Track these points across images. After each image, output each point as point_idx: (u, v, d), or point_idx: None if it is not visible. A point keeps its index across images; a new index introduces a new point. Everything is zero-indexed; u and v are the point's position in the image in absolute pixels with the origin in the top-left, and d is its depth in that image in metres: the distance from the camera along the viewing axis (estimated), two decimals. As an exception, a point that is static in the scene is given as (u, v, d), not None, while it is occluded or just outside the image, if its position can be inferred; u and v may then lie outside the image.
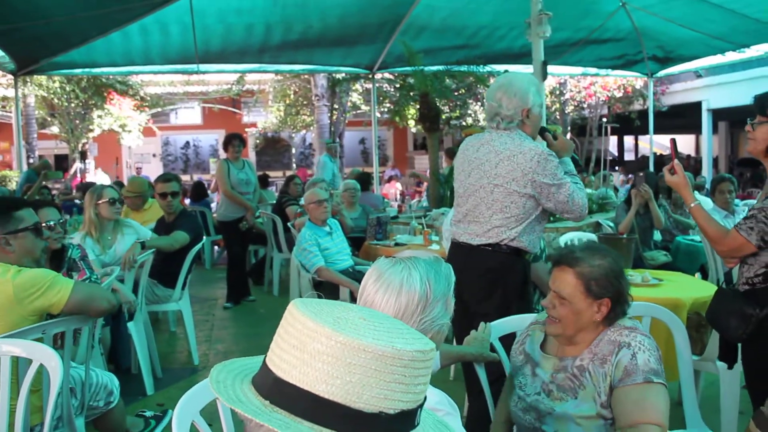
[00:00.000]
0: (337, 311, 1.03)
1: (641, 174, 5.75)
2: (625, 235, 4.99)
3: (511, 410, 2.37)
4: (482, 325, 2.60)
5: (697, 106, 18.21)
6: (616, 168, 22.17)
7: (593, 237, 5.00)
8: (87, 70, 10.10)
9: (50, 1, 6.62)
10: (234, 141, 7.13)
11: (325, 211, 5.29)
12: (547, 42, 9.64)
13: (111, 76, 16.60)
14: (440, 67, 9.53)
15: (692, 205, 2.79)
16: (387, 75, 11.47)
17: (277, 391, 0.99)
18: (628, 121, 19.05)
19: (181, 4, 7.52)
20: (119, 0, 7.18)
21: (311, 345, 0.97)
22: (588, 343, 2.22)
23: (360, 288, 1.75)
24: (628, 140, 26.58)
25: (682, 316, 3.40)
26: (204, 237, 5.41)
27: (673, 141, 2.95)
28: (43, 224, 3.36)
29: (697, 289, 3.83)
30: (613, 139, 27.76)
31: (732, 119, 21.04)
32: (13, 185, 12.74)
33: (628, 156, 26.19)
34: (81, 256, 3.45)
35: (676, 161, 2.85)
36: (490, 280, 3.12)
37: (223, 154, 7.37)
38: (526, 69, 10.37)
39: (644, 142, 24.26)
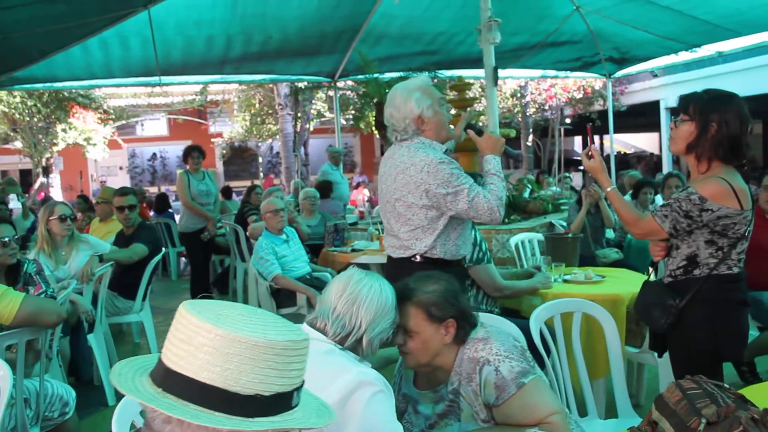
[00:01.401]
0: (220, 309, 1.17)
1: (590, 174, 5.91)
2: (570, 235, 5.15)
3: None
4: None
5: (656, 105, 18.58)
6: (580, 168, 22.47)
7: (541, 237, 5.15)
8: (48, 84, 10.03)
9: (7, 17, 6.61)
10: (193, 153, 7.19)
11: (281, 220, 5.38)
12: (505, 46, 9.89)
13: (73, 90, 16.51)
14: (399, 74, 9.63)
15: (608, 189, 2.92)
16: (350, 82, 11.58)
17: (168, 380, 1.12)
18: (588, 122, 19.37)
19: (139, 18, 7.55)
20: (77, 15, 7.18)
21: (195, 338, 1.11)
22: (451, 366, 2.28)
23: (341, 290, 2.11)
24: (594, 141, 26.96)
25: (620, 311, 3.54)
26: (163, 249, 5.45)
27: (590, 127, 3.09)
28: None
29: (638, 285, 3.95)
30: (578, 140, 28.17)
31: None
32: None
33: (594, 156, 26.48)
34: (37, 270, 3.51)
35: (593, 146, 3.01)
36: None
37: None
38: (481, 73, 10.59)
39: (610, 141, 24.65)
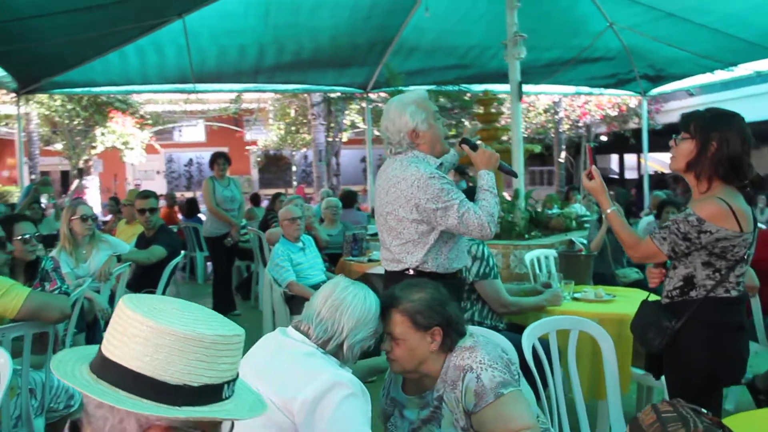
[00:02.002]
0: (155, 303, 1.23)
1: (612, 192, 5.86)
2: (583, 253, 5.11)
3: None
4: None
5: (692, 125, 18.19)
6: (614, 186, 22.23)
7: (554, 254, 5.11)
8: (87, 89, 10.32)
9: (48, 23, 6.82)
10: (219, 159, 7.32)
11: (297, 228, 5.43)
12: (538, 61, 9.92)
13: (111, 95, 16.92)
14: (429, 87, 9.67)
15: (608, 211, 2.89)
16: (383, 94, 11.65)
17: (103, 368, 1.18)
18: (623, 140, 19.16)
19: (174, 26, 7.74)
20: (113, 23, 7.38)
21: (129, 330, 1.17)
22: (438, 373, 2.29)
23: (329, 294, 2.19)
24: (630, 158, 26.63)
25: (627, 332, 3.46)
26: (182, 252, 5.55)
27: (590, 148, 3.08)
28: (19, 237, 3.56)
29: (647, 305, 3.93)
30: (614, 157, 27.85)
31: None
32: (14, 200, 13.06)
33: (630, 174, 26.22)
34: (53, 267, 3.61)
35: (593, 167, 2.98)
36: None
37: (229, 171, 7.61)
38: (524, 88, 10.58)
39: (649, 160, 24.37)
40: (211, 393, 1.20)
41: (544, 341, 3.04)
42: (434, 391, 2.29)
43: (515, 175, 3.41)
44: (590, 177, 2.96)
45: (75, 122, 18.27)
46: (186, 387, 1.16)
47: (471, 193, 3.09)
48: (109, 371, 1.17)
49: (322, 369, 1.99)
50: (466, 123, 8.19)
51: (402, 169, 3.03)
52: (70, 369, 1.21)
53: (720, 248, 2.58)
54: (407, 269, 3.05)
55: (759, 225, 2.79)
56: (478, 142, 3.29)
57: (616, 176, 27.33)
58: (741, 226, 2.55)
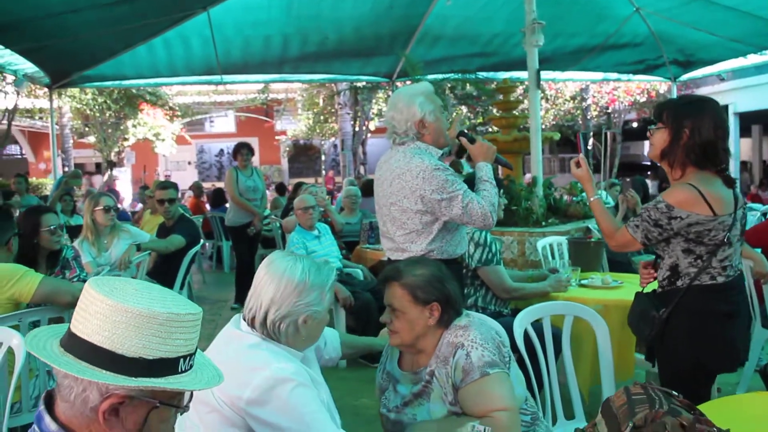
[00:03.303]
0: (116, 284, 1.35)
1: (629, 180, 5.85)
2: (593, 239, 5.11)
3: (383, 425, 2.52)
4: None
5: (724, 109, 17.83)
6: (649, 173, 21.94)
7: (564, 241, 5.12)
8: (117, 82, 10.52)
9: (77, 19, 6.99)
10: (242, 150, 7.46)
11: (311, 217, 5.52)
12: (565, 48, 9.85)
13: (141, 88, 17.20)
14: (453, 76, 9.66)
15: (592, 199, 2.93)
16: (409, 83, 11.66)
17: (70, 342, 1.31)
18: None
19: (199, 19, 7.86)
20: (140, 17, 7.53)
21: (91, 307, 1.30)
22: (433, 349, 2.36)
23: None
24: (663, 145, 26.19)
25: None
26: (201, 241, 5.72)
27: (579, 136, 3.11)
28: (45, 228, 3.75)
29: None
30: (646, 144, 27.46)
31: (764, 123, 20.67)
32: (47, 192, 13.41)
33: (664, 161, 25.79)
34: (74, 256, 3.79)
35: (581, 155, 3.02)
36: None
37: (256, 161, 7.79)
38: (545, 75, 10.52)
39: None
40: (167, 366, 1.31)
41: (555, 328, 3.08)
42: (428, 367, 2.36)
43: (510, 167, 3.45)
44: (578, 165, 3.00)
45: (106, 115, 18.65)
46: (142, 360, 1.28)
47: (469, 183, 3.14)
48: (75, 345, 1.30)
49: (265, 364, 1.97)
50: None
51: (406, 160, 3.09)
52: (42, 343, 1.34)
53: (695, 233, 2.60)
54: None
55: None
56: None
57: (648, 163, 26.97)
58: (714, 209, 2.57)
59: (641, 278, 2.90)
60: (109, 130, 19.17)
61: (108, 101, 17.98)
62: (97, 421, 1.30)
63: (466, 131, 3.31)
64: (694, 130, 2.60)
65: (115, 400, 1.29)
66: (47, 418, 1.32)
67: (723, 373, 2.72)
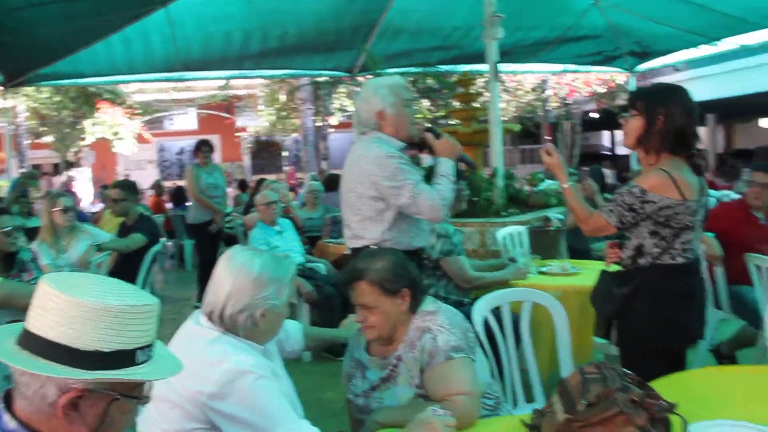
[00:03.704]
0: (72, 279, 1.37)
1: (586, 169, 5.97)
2: (552, 228, 5.22)
3: (352, 414, 2.57)
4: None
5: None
6: (607, 162, 22.28)
7: (524, 230, 5.23)
8: (74, 80, 10.32)
9: (30, 15, 6.86)
10: (203, 147, 7.44)
11: (273, 213, 5.55)
12: (524, 41, 9.96)
13: (99, 86, 16.90)
14: (415, 69, 9.71)
15: (565, 186, 3.00)
16: (370, 77, 11.66)
17: (26, 340, 1.33)
18: (613, 116, 19.18)
19: (159, 15, 7.76)
20: (98, 13, 7.42)
21: (46, 304, 1.31)
22: (403, 335, 2.42)
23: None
24: (621, 134, 26.66)
25: (589, 303, 3.62)
26: (162, 239, 5.70)
27: (549, 125, 3.19)
28: (1, 230, 3.69)
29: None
30: (606, 134, 27.90)
31: (719, 112, 21.17)
32: (2, 194, 13.16)
33: (623, 151, 26.28)
34: (31, 258, 3.74)
35: (549, 144, 3.11)
36: None
37: (218, 158, 7.75)
38: (505, 67, 10.64)
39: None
40: (124, 358, 1.33)
41: (515, 315, 3.15)
42: (395, 351, 2.41)
43: (474, 167, 3.52)
44: (548, 153, 3.07)
45: (63, 114, 18.31)
46: (98, 352, 1.29)
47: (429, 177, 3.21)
48: (31, 342, 1.31)
49: (224, 358, 1.99)
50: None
51: (365, 148, 3.19)
52: None
53: (664, 216, 2.69)
54: (367, 246, 3.17)
55: (729, 196, 2.92)
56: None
57: (608, 152, 27.39)
58: (683, 194, 2.66)
59: (607, 257, 2.98)
60: (67, 130, 18.82)
61: (65, 100, 17.65)
62: (56, 416, 1.30)
63: (431, 127, 3.40)
64: (668, 117, 2.70)
65: (74, 395, 1.30)
66: (6, 416, 1.33)
67: (677, 352, 2.80)
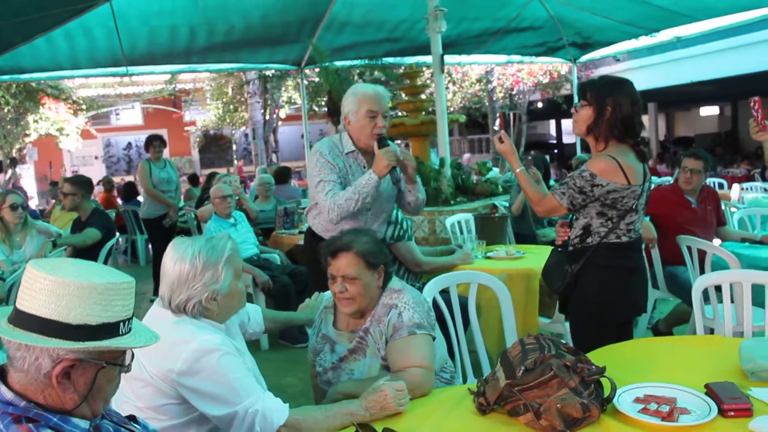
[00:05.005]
0: (56, 263, 1.50)
1: (530, 157, 6.18)
2: (497, 214, 5.42)
3: (319, 387, 2.72)
4: (315, 294, 2.97)
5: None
6: (555, 151, 22.81)
7: (471, 217, 5.41)
8: (14, 76, 10.10)
9: (-35, 10, 6.73)
10: (155, 142, 7.43)
11: (228, 206, 5.63)
12: (469, 32, 10.13)
13: (41, 81, 16.53)
14: (360, 62, 9.79)
15: (517, 170, 3.17)
16: (318, 70, 11.69)
17: (18, 318, 1.46)
18: (558, 106, 19.64)
19: (102, 9, 7.66)
20: (39, 7, 7.30)
21: (35, 285, 1.45)
22: (372, 310, 2.59)
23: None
24: (567, 123, 27.27)
25: (534, 285, 3.85)
26: (117, 234, 5.72)
27: (502, 114, 3.36)
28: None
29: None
30: (552, 123, 28.47)
31: (659, 100, 21.83)
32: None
33: (569, 139, 26.88)
34: (-12, 254, 3.74)
35: (502, 132, 3.28)
36: (308, 258, 3.73)
37: (166, 152, 7.72)
38: (451, 59, 10.80)
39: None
40: (109, 329, 1.48)
41: (463, 298, 3.31)
42: (363, 325, 2.57)
43: (397, 183, 3.66)
44: (501, 140, 3.23)
45: (5, 110, 17.82)
46: (86, 326, 1.44)
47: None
48: (23, 320, 1.44)
49: (191, 337, 2.10)
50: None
51: (320, 141, 3.55)
52: None
53: (611, 199, 2.88)
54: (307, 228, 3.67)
55: (668, 181, 3.12)
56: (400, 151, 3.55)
57: (554, 141, 27.98)
58: (629, 179, 2.86)
59: (557, 236, 3.17)
60: (9, 126, 18.33)
61: (6, 96, 17.18)
62: (51, 385, 1.45)
63: (383, 136, 3.51)
64: (616, 107, 2.89)
65: (66, 364, 1.44)
66: (3, 388, 1.45)
67: (622, 323, 3.01)
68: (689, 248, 4.43)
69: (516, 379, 1.87)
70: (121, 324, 1.50)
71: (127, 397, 2.15)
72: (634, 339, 3.06)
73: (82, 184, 5.71)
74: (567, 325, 3.61)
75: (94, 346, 1.45)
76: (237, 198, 6.17)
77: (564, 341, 2.03)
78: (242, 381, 2.09)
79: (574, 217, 3.07)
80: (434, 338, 2.54)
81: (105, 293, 1.46)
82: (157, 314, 2.25)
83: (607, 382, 1.90)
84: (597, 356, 2.30)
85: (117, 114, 27.41)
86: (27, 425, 1.41)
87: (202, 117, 24.55)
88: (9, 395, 1.44)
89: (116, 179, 17.87)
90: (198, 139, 26.35)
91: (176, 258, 2.20)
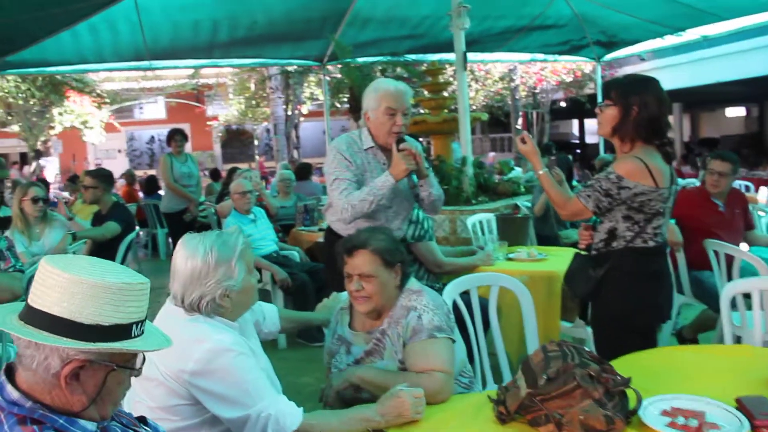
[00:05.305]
0: (71, 260, 1.46)
1: (553, 158, 6.10)
2: (519, 215, 5.34)
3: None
4: (333, 294, 2.92)
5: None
6: (578, 151, 22.60)
7: (493, 217, 5.34)
8: (40, 69, 10.23)
9: (-10, 4, 6.79)
10: (176, 136, 7.44)
11: (248, 202, 5.60)
12: (492, 29, 10.05)
13: (66, 74, 16.68)
14: (382, 59, 9.75)
15: (540, 172, 3.09)
16: (340, 66, 11.68)
17: (29, 315, 1.42)
18: (581, 105, 19.45)
19: (126, 3, 7.70)
20: (63, 2, 7.34)
21: (48, 281, 1.40)
22: (389, 311, 2.52)
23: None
24: (591, 123, 27.00)
25: (556, 288, 3.76)
26: (136, 228, 5.73)
27: (524, 114, 3.28)
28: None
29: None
30: (575, 123, 28.21)
31: (684, 101, 21.53)
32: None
33: (592, 139, 26.62)
34: (7, 246, 3.74)
35: (525, 132, 3.20)
36: (326, 257, 3.66)
37: (188, 147, 7.77)
38: (474, 56, 10.72)
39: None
40: (121, 331, 1.43)
41: (484, 300, 3.25)
42: (380, 326, 2.52)
43: (415, 189, 3.56)
44: (523, 141, 3.15)
45: (31, 103, 18.01)
46: (98, 326, 1.40)
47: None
48: (35, 317, 1.40)
49: (204, 337, 2.06)
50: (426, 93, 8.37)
51: (339, 137, 3.53)
52: (0, 318, 1.43)
53: (638, 203, 2.80)
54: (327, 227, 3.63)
55: (693, 183, 3.03)
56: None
57: (577, 141, 27.71)
58: (656, 182, 2.78)
59: (580, 239, 3.08)
60: (34, 119, 18.53)
61: (32, 89, 17.37)
62: (59, 386, 1.40)
63: (403, 138, 3.42)
64: (642, 106, 2.80)
65: (76, 365, 1.40)
66: (9, 387, 1.41)
67: (645, 330, 2.93)
68: (716, 253, 4.32)
69: (538, 388, 1.81)
70: (134, 326, 1.46)
71: (140, 397, 2.11)
72: (660, 347, 2.98)
73: (103, 177, 5.71)
74: (589, 329, 3.53)
75: (106, 348, 1.40)
76: (257, 194, 6.15)
77: (586, 347, 1.97)
78: (256, 383, 2.05)
79: (599, 221, 2.99)
80: (454, 341, 2.48)
81: (119, 293, 1.42)
82: (171, 312, 2.20)
83: (633, 393, 1.84)
84: (621, 364, 2.22)
85: (141, 108, 27.63)
86: (32, 427, 1.37)
87: (224, 112, 24.67)
88: (15, 395, 1.40)
89: (139, 173, 18.01)
90: (220, 134, 26.50)
91: (187, 255, 2.14)
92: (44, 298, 1.40)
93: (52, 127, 18.91)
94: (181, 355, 2.02)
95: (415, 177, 3.45)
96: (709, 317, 4.54)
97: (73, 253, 4.83)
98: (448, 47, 10.38)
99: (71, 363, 1.40)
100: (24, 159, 22.27)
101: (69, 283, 1.38)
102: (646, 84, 2.88)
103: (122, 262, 5.35)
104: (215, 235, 2.21)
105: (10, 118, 19.45)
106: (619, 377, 1.81)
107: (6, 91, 17.41)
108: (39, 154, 19.09)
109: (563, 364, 1.80)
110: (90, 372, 1.43)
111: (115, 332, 1.42)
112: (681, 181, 10.35)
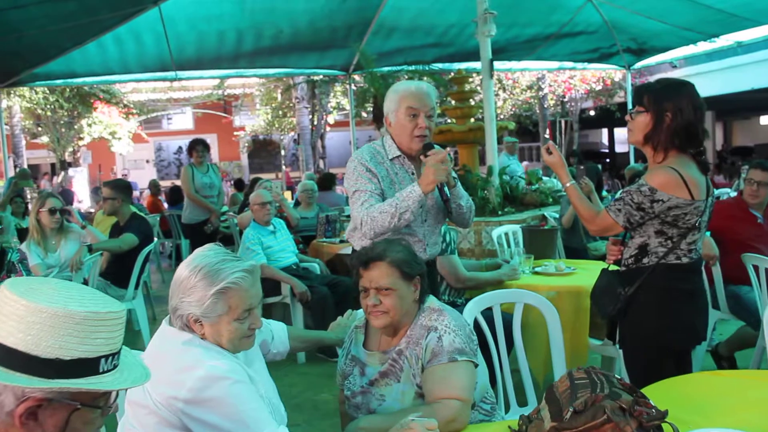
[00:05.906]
0: (33, 284, 1.32)
1: (582, 167, 5.92)
2: (546, 227, 5.17)
3: (347, 413, 2.49)
4: (348, 311, 2.76)
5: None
6: (608, 161, 22.28)
7: (519, 229, 5.17)
8: (67, 80, 10.31)
9: (22, 15, 6.83)
10: (198, 146, 7.40)
11: (268, 213, 5.49)
12: (519, 37, 9.92)
13: (94, 85, 16.85)
14: (408, 68, 9.68)
15: (567, 185, 2.92)
16: (364, 76, 11.63)
17: None
18: (611, 114, 19.17)
19: (151, 14, 7.73)
20: (88, 13, 7.37)
21: (5, 309, 1.26)
22: (406, 329, 2.37)
23: None
24: (620, 132, 26.62)
25: (585, 303, 3.58)
26: (155, 239, 5.68)
27: (550, 123, 3.11)
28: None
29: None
30: (605, 132, 27.87)
31: (717, 108, 21.13)
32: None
33: (621, 148, 26.24)
34: (20, 259, 3.69)
35: (551, 142, 3.02)
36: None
37: (215, 157, 7.75)
38: (501, 65, 10.59)
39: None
40: (86, 366, 1.28)
41: (508, 315, 3.09)
42: (397, 345, 2.37)
43: (446, 200, 3.21)
44: (549, 152, 2.99)
45: (59, 114, 18.25)
46: (58, 360, 1.25)
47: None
48: None
49: (198, 363, 1.91)
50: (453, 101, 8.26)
51: (362, 147, 3.22)
52: None
53: (672, 216, 2.63)
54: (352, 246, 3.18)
55: (729, 195, 2.85)
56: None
57: (606, 150, 27.36)
58: (692, 194, 2.60)
59: (608, 254, 2.91)
60: (63, 130, 18.76)
61: (60, 100, 17.59)
62: (14, 425, 1.26)
63: (431, 143, 3.07)
64: (676, 113, 2.62)
65: (32, 404, 1.26)
66: None
67: (680, 351, 2.75)
68: (756, 267, 4.11)
69: (563, 421, 1.65)
70: (103, 360, 1.30)
71: (131, 425, 1.98)
72: (696, 372, 2.79)
73: (121, 188, 5.66)
74: (617, 348, 3.36)
75: (65, 387, 1.25)
76: (277, 205, 6.05)
77: (617, 371, 1.81)
78: (254, 413, 1.92)
79: (629, 235, 2.82)
80: (476, 365, 2.33)
81: (83, 323, 1.27)
82: (166, 333, 2.07)
83: (669, 428, 1.66)
84: (654, 392, 2.06)
85: (169, 118, 27.89)
86: None
87: (251, 122, 24.78)
88: None
89: (167, 183, 18.09)
90: (247, 144, 26.61)
91: (187, 262, 2.02)
92: (0, 327, 1.26)
93: (81, 138, 19.13)
94: (173, 383, 1.88)
95: (447, 190, 3.13)
96: (748, 334, 4.32)
97: (92, 263, 4.78)
98: (475, 56, 10.24)
99: (26, 401, 1.25)
100: (54, 170, 22.57)
101: (27, 311, 1.25)
102: (680, 89, 2.69)
103: (140, 275, 5.29)
104: (220, 258, 2.02)
105: (39, 129, 19.74)
106: (654, 410, 1.64)
107: (35, 102, 17.66)
108: (67, 165, 19.30)
109: (592, 394, 1.65)
110: (49, 411, 1.28)
111: (79, 367, 1.27)
112: (714, 192, 10.11)
